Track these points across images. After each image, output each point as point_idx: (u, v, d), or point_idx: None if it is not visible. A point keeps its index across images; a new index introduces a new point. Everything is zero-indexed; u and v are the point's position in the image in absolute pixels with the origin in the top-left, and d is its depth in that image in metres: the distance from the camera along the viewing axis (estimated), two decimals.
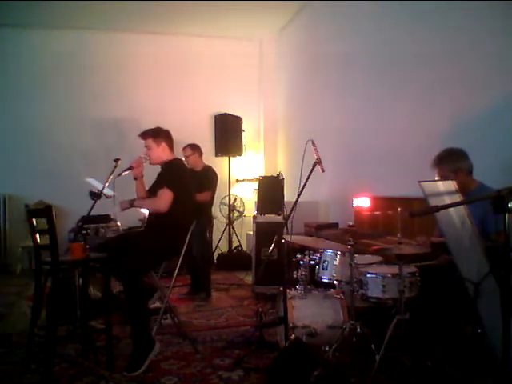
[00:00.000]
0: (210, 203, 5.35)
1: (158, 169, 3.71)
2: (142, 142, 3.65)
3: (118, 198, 3.80)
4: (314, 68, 6.70)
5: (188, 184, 3.67)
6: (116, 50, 7.55)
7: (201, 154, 5.40)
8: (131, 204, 3.56)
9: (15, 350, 3.43)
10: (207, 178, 5.24)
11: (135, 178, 3.70)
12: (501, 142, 3.45)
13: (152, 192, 3.65)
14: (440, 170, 3.10)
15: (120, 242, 3.51)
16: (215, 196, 5.42)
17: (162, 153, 3.62)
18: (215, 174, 5.39)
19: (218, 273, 6.58)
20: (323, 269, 3.44)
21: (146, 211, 3.91)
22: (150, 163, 3.66)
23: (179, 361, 3.24)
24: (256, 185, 6.18)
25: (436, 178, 3.09)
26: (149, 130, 3.65)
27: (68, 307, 3.34)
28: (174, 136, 3.74)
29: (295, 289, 3.44)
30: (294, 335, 2.96)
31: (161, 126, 3.70)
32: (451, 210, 2.45)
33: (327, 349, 2.99)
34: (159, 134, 3.62)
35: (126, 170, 3.62)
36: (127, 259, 3.16)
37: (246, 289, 5.59)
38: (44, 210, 3.04)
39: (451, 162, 3.09)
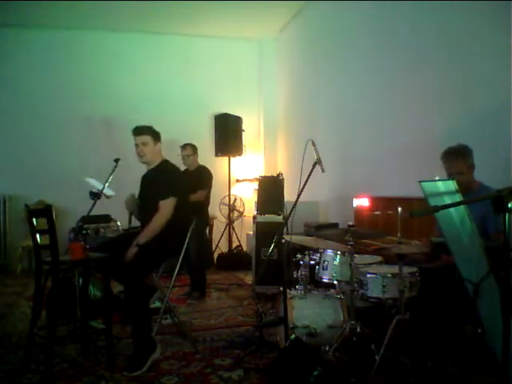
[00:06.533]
0: (207, 203, 5.33)
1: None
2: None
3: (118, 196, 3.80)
4: (313, 68, 6.70)
5: (185, 185, 3.69)
6: (116, 50, 7.57)
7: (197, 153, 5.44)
8: (138, 243, 3.28)
9: (15, 349, 3.43)
10: (202, 177, 5.25)
11: None
12: (500, 141, 3.45)
13: (145, 199, 3.62)
14: (456, 164, 3.04)
15: (120, 242, 3.51)
16: (213, 196, 5.41)
17: (158, 153, 3.61)
18: (210, 173, 5.37)
19: (217, 273, 6.59)
20: (323, 269, 3.44)
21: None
22: (143, 161, 3.60)
23: (179, 361, 3.23)
24: (256, 185, 6.18)
25: (452, 171, 3.01)
26: (145, 126, 3.60)
27: (68, 307, 3.33)
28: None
29: (295, 289, 3.44)
30: (293, 335, 2.96)
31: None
32: (451, 209, 2.45)
33: (327, 349, 3.00)
34: (158, 134, 3.62)
35: None
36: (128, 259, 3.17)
37: (246, 289, 5.59)
38: (44, 210, 3.04)
39: (468, 156, 3.05)
